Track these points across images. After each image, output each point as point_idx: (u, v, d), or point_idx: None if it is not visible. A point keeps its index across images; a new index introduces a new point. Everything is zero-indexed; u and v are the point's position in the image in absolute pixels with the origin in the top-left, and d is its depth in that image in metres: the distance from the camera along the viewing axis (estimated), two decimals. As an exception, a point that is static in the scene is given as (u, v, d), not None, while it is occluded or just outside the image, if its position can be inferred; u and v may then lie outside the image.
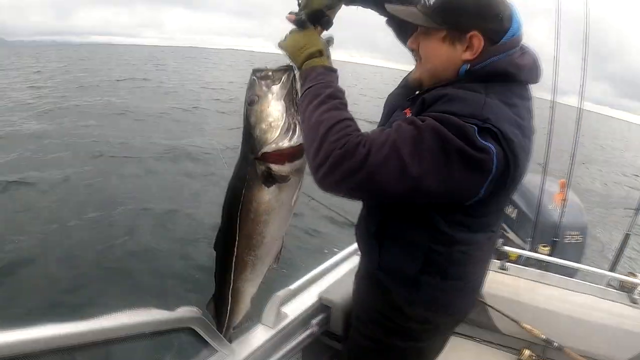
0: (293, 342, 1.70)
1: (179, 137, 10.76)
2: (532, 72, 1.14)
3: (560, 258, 2.79)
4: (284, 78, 1.17)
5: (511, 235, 3.72)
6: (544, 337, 2.25)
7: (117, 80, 22.97)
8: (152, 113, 13.90)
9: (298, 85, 1.19)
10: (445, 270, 1.26)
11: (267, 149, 1.12)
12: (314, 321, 1.82)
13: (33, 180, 6.91)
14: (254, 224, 1.21)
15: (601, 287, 2.60)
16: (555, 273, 2.55)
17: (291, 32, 1.20)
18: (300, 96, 1.14)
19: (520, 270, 2.49)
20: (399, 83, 1.43)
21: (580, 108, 3.26)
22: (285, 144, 1.12)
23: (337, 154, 0.96)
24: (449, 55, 1.10)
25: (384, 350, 1.40)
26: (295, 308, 1.77)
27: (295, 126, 1.15)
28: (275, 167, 1.13)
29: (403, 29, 1.41)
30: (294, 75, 1.19)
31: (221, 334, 1.37)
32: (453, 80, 1.12)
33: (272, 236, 1.26)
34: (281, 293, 1.68)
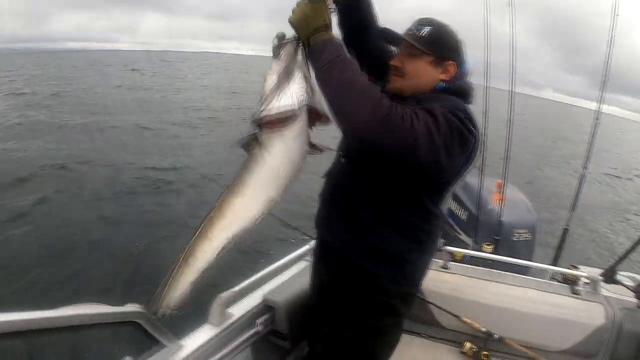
0: (239, 340, 1.84)
1: (142, 152, 10.63)
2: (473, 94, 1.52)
3: (511, 256, 2.95)
4: (282, 53, 1.20)
5: (463, 236, 3.92)
6: (485, 329, 2.37)
7: (91, 87, 22.80)
8: (125, 125, 13.66)
9: (300, 57, 1.23)
10: (426, 245, 1.51)
11: (258, 116, 1.18)
12: (259, 321, 1.96)
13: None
14: (240, 180, 1.23)
15: (545, 280, 2.73)
16: (505, 271, 2.69)
17: (299, 3, 1.24)
18: (326, 64, 1.20)
19: (463, 268, 2.63)
20: None
21: (511, 100, 3.36)
22: (256, 114, 1.19)
23: (395, 118, 1.14)
24: (432, 75, 1.44)
25: (373, 332, 1.56)
26: (240, 309, 1.91)
27: (267, 97, 1.18)
28: (265, 132, 1.20)
29: (361, 44, 1.65)
30: (296, 49, 1.23)
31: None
32: (430, 94, 1.42)
33: (253, 193, 1.25)
34: (225, 294, 1.81)
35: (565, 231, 3.83)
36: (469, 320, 2.38)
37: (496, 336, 2.39)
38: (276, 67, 1.19)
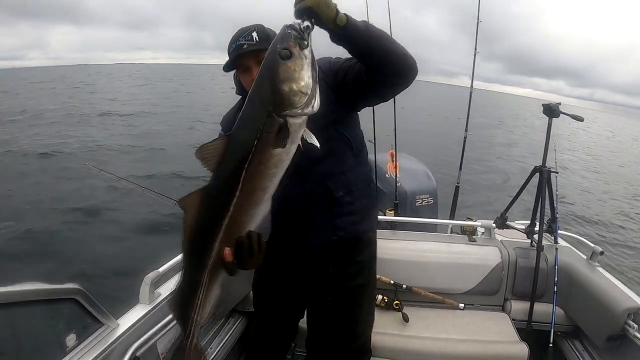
0: (170, 316, 2.06)
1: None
2: None
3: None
4: (311, 42, 1.17)
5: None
6: (392, 282, 2.79)
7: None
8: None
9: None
10: (373, 184, 1.97)
11: (292, 112, 1.13)
12: None
13: None
14: (261, 177, 1.19)
15: (445, 234, 3.23)
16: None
17: None
18: (367, 26, 1.33)
19: None
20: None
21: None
22: (308, 110, 1.14)
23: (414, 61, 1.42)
24: None
25: (372, 280, 2.01)
26: (168, 288, 2.18)
27: (315, 91, 1.15)
28: (292, 121, 1.15)
29: None
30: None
31: (190, 327, 1.39)
32: None
33: (270, 193, 1.25)
34: (150, 275, 2.06)
35: (457, 188, 4.46)
36: (377, 276, 2.62)
37: (404, 287, 2.79)
38: (311, 57, 1.15)
